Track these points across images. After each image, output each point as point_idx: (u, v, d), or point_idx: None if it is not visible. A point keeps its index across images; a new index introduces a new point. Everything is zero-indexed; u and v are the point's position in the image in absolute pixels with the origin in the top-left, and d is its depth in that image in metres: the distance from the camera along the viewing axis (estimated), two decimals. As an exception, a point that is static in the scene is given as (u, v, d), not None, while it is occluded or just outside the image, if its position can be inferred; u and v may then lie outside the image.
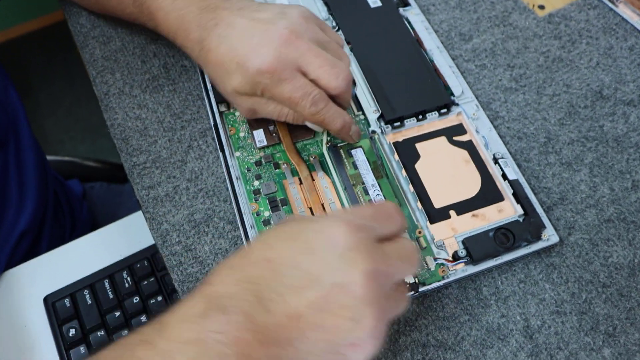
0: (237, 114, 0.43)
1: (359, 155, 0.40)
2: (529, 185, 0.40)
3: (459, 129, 0.42)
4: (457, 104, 0.43)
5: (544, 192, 0.40)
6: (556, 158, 0.42)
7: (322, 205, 0.37)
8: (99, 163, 0.71)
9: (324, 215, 0.32)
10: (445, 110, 0.42)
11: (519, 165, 0.41)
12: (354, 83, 0.43)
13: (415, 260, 0.27)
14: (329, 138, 0.41)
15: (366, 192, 0.38)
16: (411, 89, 0.43)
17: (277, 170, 0.39)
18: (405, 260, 0.26)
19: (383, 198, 0.38)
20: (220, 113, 0.43)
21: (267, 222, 0.37)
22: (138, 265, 0.44)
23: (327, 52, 0.35)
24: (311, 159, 0.40)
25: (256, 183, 0.39)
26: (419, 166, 0.40)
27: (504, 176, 0.39)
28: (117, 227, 0.48)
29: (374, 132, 0.41)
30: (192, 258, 0.38)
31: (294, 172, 0.39)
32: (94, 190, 0.68)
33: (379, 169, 0.40)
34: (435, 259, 0.35)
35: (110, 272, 0.44)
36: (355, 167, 0.39)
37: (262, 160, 0.40)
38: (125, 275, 0.44)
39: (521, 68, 0.47)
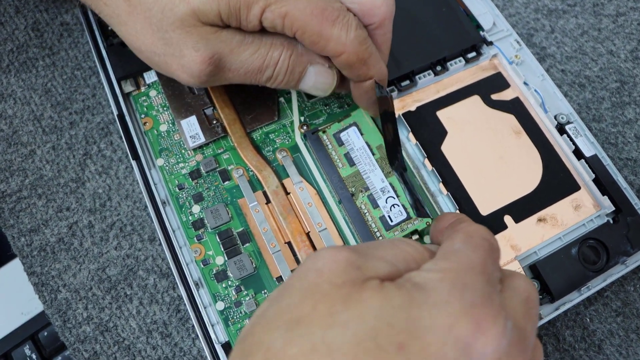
0: (151, 93, 0.27)
1: (353, 139, 0.26)
2: (610, 159, 0.27)
3: (498, 81, 0.27)
4: (489, 43, 0.28)
5: (629, 167, 0.27)
6: (638, 111, 0.28)
7: (308, 235, 0.23)
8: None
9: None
10: (473, 53, 0.28)
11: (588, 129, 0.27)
12: None
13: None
14: (302, 118, 0.26)
15: (374, 204, 0.24)
16: (421, 28, 0.28)
17: (227, 183, 0.25)
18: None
19: (403, 210, 0.24)
20: (126, 95, 0.27)
21: (222, 276, 0.23)
22: (46, 334, 0.30)
23: None
24: (279, 157, 0.25)
25: (196, 209, 0.24)
26: (446, 148, 0.26)
27: (577, 152, 0.26)
28: (11, 268, 0.33)
29: (370, 101, 0.27)
30: (113, 343, 0.24)
31: (256, 184, 0.25)
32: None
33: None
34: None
35: (5, 350, 0.30)
36: (351, 161, 0.25)
37: (202, 168, 0.25)
38: (27, 351, 0.30)
39: (570, -24, 0.32)
